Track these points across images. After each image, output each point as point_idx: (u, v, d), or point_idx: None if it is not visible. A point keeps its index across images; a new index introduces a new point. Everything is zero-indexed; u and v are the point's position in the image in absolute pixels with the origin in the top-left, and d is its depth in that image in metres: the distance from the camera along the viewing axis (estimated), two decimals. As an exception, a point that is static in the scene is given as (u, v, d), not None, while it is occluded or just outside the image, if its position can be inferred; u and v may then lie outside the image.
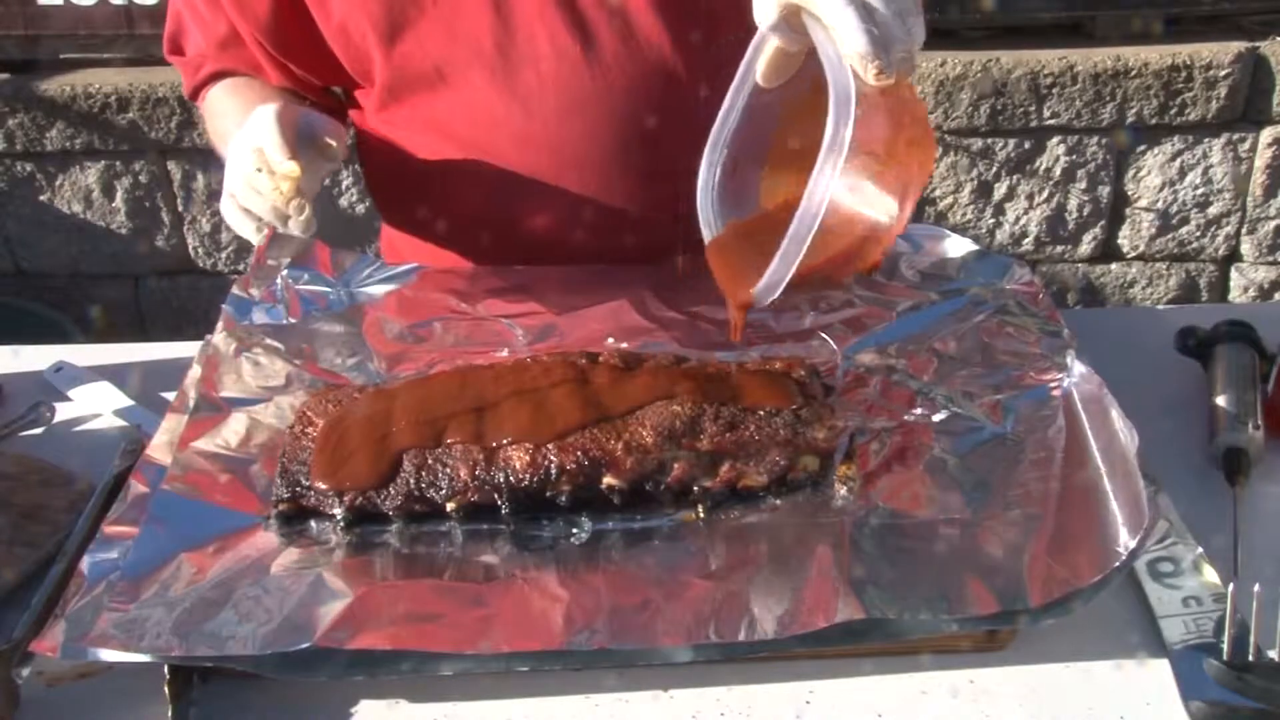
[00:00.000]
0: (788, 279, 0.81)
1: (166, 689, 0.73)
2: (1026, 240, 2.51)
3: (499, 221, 1.16)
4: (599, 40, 1.05)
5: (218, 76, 1.19)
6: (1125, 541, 0.74)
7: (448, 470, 0.83)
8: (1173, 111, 2.36)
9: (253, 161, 0.99)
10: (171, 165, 2.46)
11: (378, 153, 1.21)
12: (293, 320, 1.06)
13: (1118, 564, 0.73)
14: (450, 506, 0.82)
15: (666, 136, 1.08)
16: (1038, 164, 2.43)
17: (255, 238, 1.05)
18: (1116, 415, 0.83)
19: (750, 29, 0.82)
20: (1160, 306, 1.19)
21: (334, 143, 1.03)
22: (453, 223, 1.19)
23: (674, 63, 1.06)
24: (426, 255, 1.20)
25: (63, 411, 1.06)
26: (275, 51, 1.13)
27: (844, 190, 0.79)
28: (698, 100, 1.04)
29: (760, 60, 0.82)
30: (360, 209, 2.50)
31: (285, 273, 1.11)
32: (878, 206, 0.84)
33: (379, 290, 1.11)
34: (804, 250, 0.79)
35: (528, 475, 0.82)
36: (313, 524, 0.83)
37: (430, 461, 0.83)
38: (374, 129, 1.19)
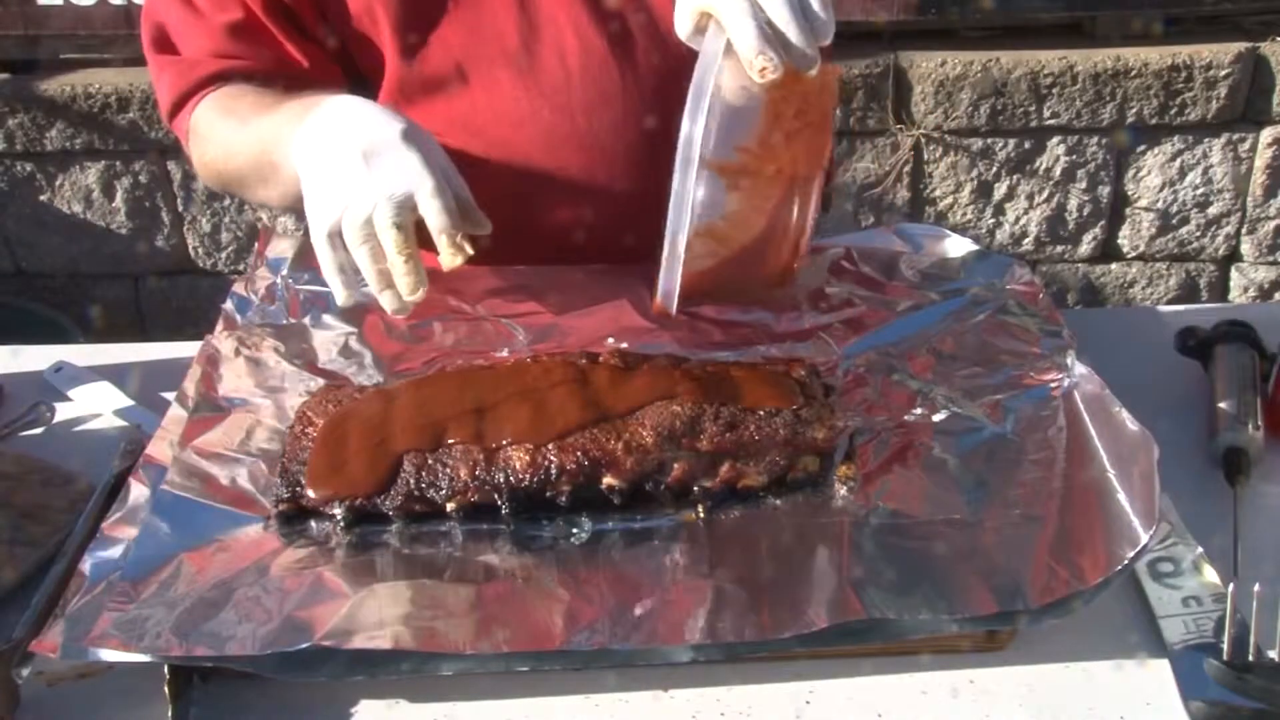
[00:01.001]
0: (677, 286, 0.83)
1: (166, 689, 0.73)
2: (1026, 240, 2.51)
3: (519, 219, 1.15)
4: (625, 31, 1.04)
5: (214, 80, 1.06)
6: (1129, 543, 0.74)
7: (448, 470, 0.83)
8: (1173, 111, 2.36)
9: (391, 214, 0.84)
10: (171, 165, 2.46)
11: None
12: (293, 320, 1.06)
13: (1120, 566, 0.73)
14: (450, 506, 0.82)
15: None
16: (1038, 164, 2.42)
17: (342, 296, 0.89)
18: (1129, 420, 0.83)
19: None
20: (1160, 306, 1.18)
21: (487, 222, 0.91)
22: None
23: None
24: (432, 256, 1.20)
25: (63, 411, 1.06)
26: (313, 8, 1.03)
27: (717, 189, 0.78)
28: None
29: (716, 76, 0.82)
30: (360, 209, 2.50)
31: (285, 273, 1.11)
32: (761, 203, 0.84)
33: (379, 290, 1.11)
34: (681, 254, 0.81)
35: (528, 475, 0.82)
36: (313, 524, 0.83)
37: (430, 462, 0.83)
38: None
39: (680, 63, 1.05)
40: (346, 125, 0.88)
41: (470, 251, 0.84)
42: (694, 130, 0.79)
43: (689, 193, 0.79)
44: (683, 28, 0.83)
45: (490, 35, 1.05)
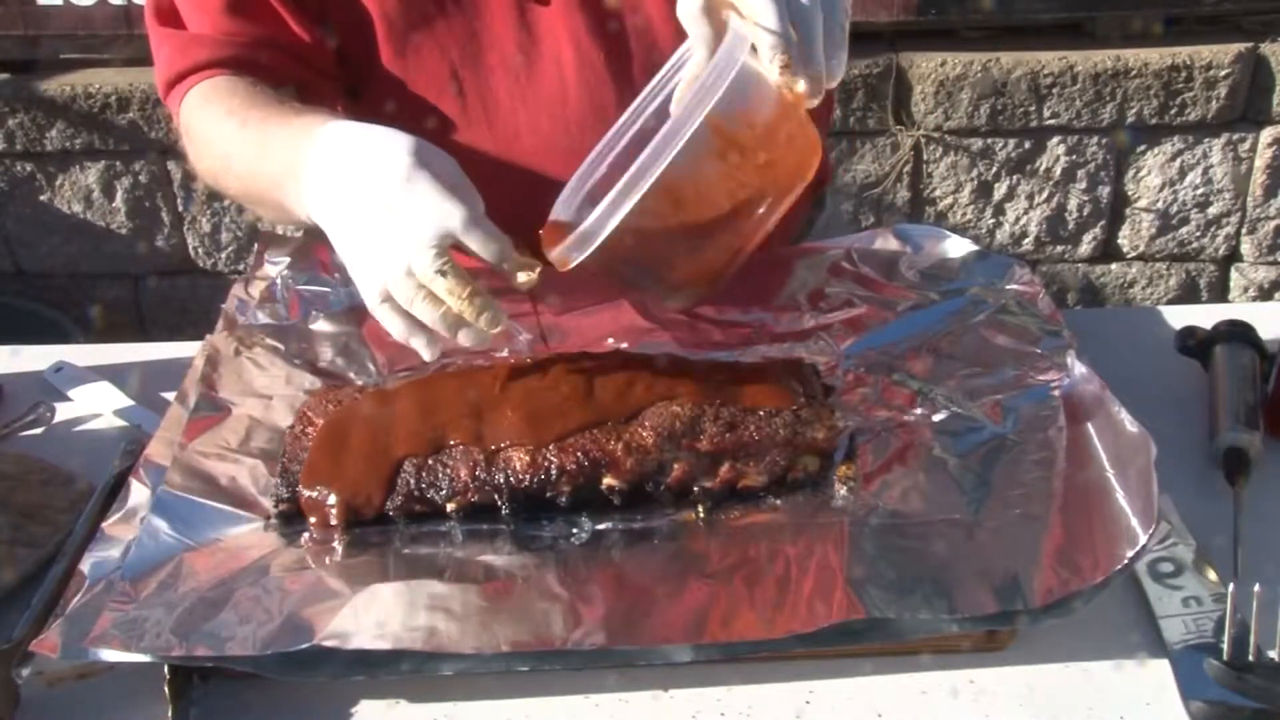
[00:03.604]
0: (606, 231, 0.75)
1: (166, 689, 0.73)
2: (1026, 240, 2.51)
3: (512, 225, 1.14)
4: (623, 44, 1.04)
5: (212, 65, 1.02)
6: (1129, 543, 0.74)
7: (448, 471, 0.83)
8: (1173, 111, 2.35)
9: (432, 264, 0.78)
10: (171, 165, 2.45)
11: None
12: (293, 320, 1.06)
13: (1119, 566, 0.73)
14: (450, 507, 0.82)
15: None
16: (1038, 164, 2.42)
17: (428, 354, 0.85)
18: (1128, 420, 0.83)
19: None
20: (1160, 306, 1.18)
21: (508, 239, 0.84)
22: None
23: None
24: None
25: (63, 411, 1.06)
26: None
27: (705, 148, 0.76)
28: None
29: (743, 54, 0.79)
30: (360, 209, 2.49)
31: (285, 273, 1.11)
32: (734, 188, 0.80)
33: (379, 290, 1.11)
34: (630, 203, 0.74)
35: (528, 476, 0.82)
36: (312, 524, 0.83)
37: (430, 462, 0.83)
38: None
39: None
40: (353, 169, 0.83)
41: (536, 262, 0.79)
42: (717, 78, 0.75)
43: (684, 132, 0.74)
44: (689, 7, 0.81)
45: (488, 42, 1.04)
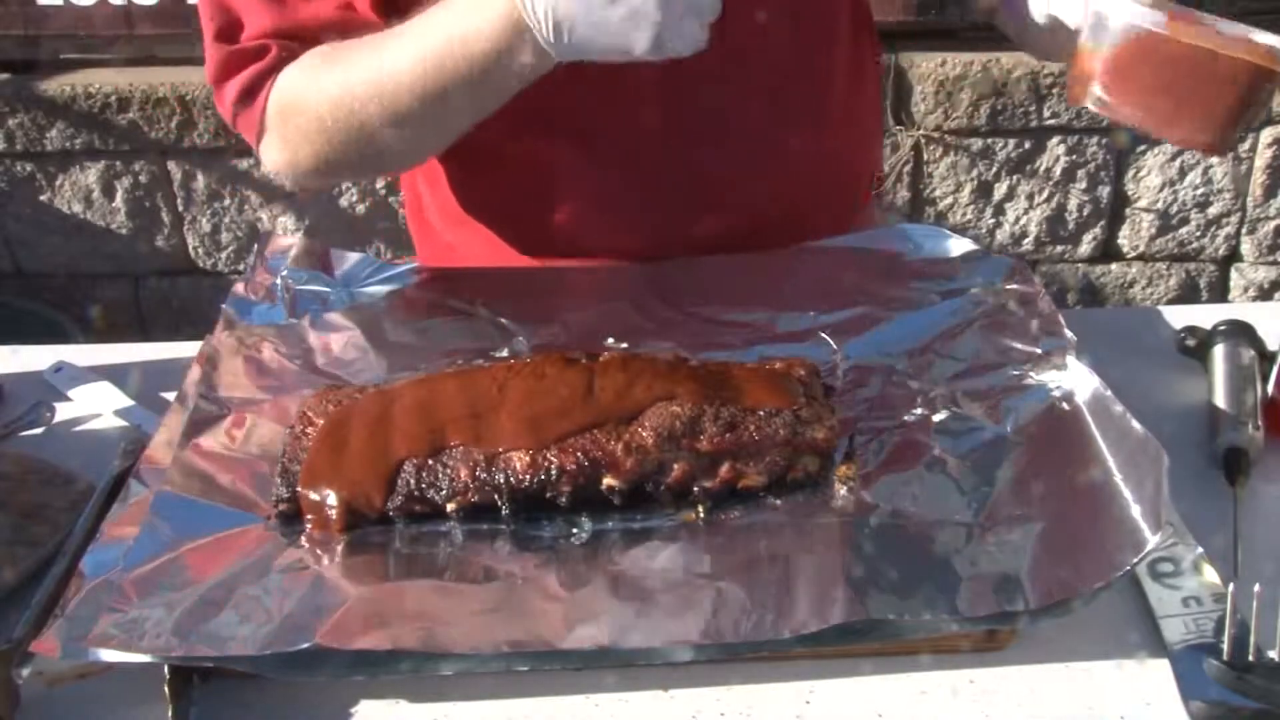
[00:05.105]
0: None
1: (166, 689, 0.73)
2: (1026, 240, 2.51)
3: (563, 238, 1.17)
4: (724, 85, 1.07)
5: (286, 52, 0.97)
6: (1132, 545, 0.74)
7: (448, 471, 0.83)
8: (1173, 111, 2.36)
9: None
10: (171, 165, 2.46)
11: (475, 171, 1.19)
12: (293, 320, 1.06)
13: (1121, 571, 0.73)
14: (450, 507, 0.82)
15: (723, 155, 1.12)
16: (1038, 164, 2.43)
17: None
18: (1131, 421, 0.83)
19: None
20: (1160, 306, 1.18)
21: None
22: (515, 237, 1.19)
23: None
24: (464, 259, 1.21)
25: (63, 411, 1.06)
26: None
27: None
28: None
29: None
30: (360, 209, 2.50)
31: (285, 273, 1.11)
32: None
33: (379, 290, 1.11)
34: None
35: (528, 476, 0.82)
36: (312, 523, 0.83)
37: (430, 463, 0.83)
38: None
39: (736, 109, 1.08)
40: None
41: None
42: None
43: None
44: None
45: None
